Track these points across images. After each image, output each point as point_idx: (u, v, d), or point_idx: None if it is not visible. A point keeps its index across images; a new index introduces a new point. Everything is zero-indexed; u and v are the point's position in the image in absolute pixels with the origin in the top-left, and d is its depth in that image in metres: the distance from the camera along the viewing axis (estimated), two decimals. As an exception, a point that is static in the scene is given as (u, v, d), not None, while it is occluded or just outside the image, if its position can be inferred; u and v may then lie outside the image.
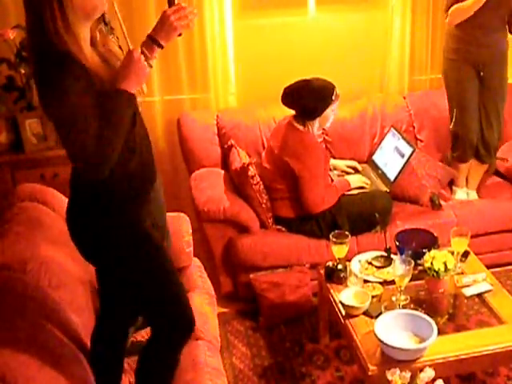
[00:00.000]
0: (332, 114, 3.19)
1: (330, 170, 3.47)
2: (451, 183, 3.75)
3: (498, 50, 3.47)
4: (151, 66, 1.85)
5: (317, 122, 3.16)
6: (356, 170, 3.57)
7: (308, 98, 3.07)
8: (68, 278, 2.32)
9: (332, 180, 3.39)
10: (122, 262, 1.96)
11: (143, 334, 2.45)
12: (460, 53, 3.46)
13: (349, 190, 3.33)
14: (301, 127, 3.14)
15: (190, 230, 2.88)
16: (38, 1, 1.70)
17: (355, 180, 3.42)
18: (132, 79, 1.79)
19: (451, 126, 3.62)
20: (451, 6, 3.35)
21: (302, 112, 3.12)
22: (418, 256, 2.61)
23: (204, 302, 2.62)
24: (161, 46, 1.84)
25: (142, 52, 1.84)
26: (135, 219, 1.96)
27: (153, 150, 2.05)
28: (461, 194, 3.71)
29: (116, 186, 1.89)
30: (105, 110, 1.76)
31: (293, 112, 3.18)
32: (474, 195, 3.72)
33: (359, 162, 3.64)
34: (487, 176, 3.82)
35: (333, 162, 3.56)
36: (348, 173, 3.54)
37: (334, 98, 3.11)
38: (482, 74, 3.48)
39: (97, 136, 1.73)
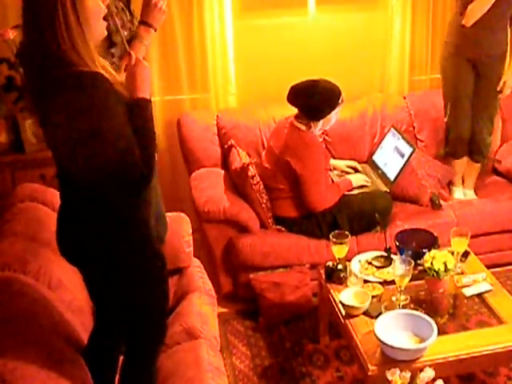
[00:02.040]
0: (335, 117, 3.20)
1: (330, 170, 3.47)
2: (450, 184, 3.75)
3: (499, 51, 3.48)
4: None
5: (320, 123, 3.16)
6: (356, 170, 3.57)
7: (317, 99, 3.07)
8: (68, 278, 2.32)
9: (332, 180, 3.40)
10: (119, 268, 1.91)
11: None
12: (460, 48, 3.48)
13: (351, 190, 3.33)
14: (302, 127, 3.14)
15: (190, 230, 2.88)
16: (49, 2, 1.66)
17: (357, 179, 3.42)
18: (145, 85, 1.82)
19: (445, 120, 3.66)
20: (465, 5, 3.35)
21: (307, 112, 3.12)
22: (418, 256, 2.61)
23: (203, 302, 2.62)
24: (155, 29, 2.20)
25: (141, 37, 2.12)
26: (139, 221, 1.92)
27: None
28: (458, 192, 3.72)
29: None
30: (135, 121, 1.76)
31: (295, 111, 3.18)
32: (471, 194, 3.72)
33: (359, 162, 3.64)
34: (485, 175, 3.82)
35: (333, 162, 3.56)
36: (348, 173, 3.54)
37: (340, 101, 3.13)
38: (479, 70, 3.49)
39: (139, 147, 1.73)
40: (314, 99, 3.07)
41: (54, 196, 2.70)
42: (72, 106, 1.67)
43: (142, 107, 1.80)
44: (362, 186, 3.40)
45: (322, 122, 3.15)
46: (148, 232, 1.94)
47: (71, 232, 1.91)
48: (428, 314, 2.35)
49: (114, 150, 1.70)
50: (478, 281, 2.65)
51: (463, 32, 3.42)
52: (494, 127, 3.69)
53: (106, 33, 1.83)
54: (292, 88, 3.14)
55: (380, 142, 3.67)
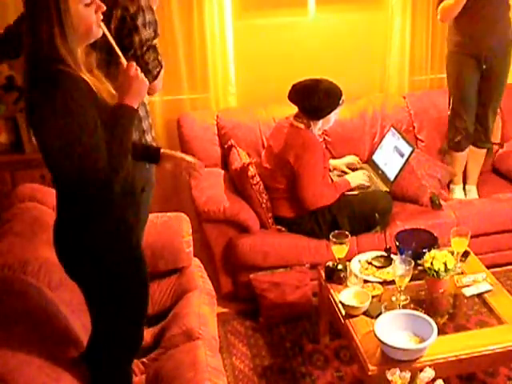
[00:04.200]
0: (334, 118, 3.20)
1: (330, 170, 3.47)
2: (450, 183, 3.75)
3: (502, 41, 3.46)
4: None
5: (320, 123, 3.17)
6: (355, 169, 3.57)
7: (318, 98, 3.07)
8: (68, 278, 2.32)
9: (332, 180, 3.39)
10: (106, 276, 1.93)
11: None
12: (461, 45, 3.47)
13: (350, 190, 3.32)
14: (302, 126, 3.14)
15: (190, 230, 2.89)
16: (36, 11, 1.69)
17: (356, 177, 3.41)
18: (133, 94, 1.82)
19: (448, 113, 3.64)
20: (439, 3, 3.40)
21: (307, 110, 3.12)
22: (418, 256, 2.61)
23: (202, 302, 2.62)
24: None
25: None
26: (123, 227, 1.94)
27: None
28: (458, 191, 3.71)
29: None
30: (110, 125, 1.76)
31: (295, 111, 3.18)
32: (474, 191, 3.72)
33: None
34: (486, 174, 3.82)
35: (332, 162, 3.55)
36: (348, 173, 3.54)
37: (340, 102, 3.13)
38: (484, 66, 3.48)
39: (107, 151, 1.72)
40: (314, 98, 3.08)
41: (54, 196, 2.70)
42: (44, 104, 1.68)
43: (122, 114, 1.80)
44: (361, 187, 3.40)
45: (321, 121, 3.16)
46: (130, 235, 1.96)
47: (57, 234, 1.93)
48: (428, 314, 2.35)
49: (80, 148, 1.69)
50: (477, 281, 2.65)
51: (462, 29, 3.41)
52: (497, 113, 3.70)
53: (99, 35, 1.82)
54: (293, 86, 3.15)
55: (380, 142, 3.67)
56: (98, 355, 2.07)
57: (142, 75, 1.84)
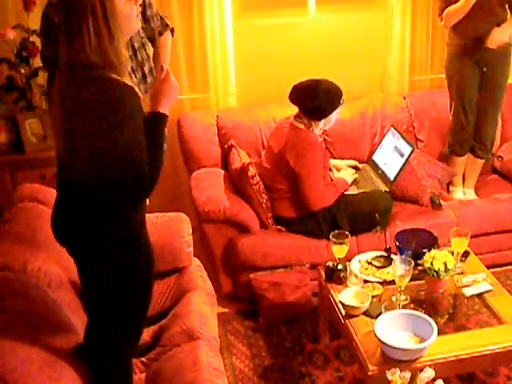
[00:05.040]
0: (335, 117, 3.21)
1: (330, 169, 3.47)
2: (448, 184, 3.75)
3: (502, 47, 3.42)
4: None
5: (321, 123, 3.17)
6: (357, 170, 3.57)
7: (319, 99, 3.07)
8: (68, 278, 2.32)
9: (332, 179, 3.40)
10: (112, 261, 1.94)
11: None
12: (463, 48, 3.45)
13: (347, 190, 3.33)
14: (302, 126, 3.14)
15: (190, 230, 2.88)
16: (79, 15, 1.67)
17: (346, 174, 3.42)
18: (169, 101, 1.86)
19: (450, 118, 3.64)
20: (444, 9, 3.38)
21: (309, 111, 3.12)
22: (418, 256, 2.61)
23: (203, 302, 2.62)
24: None
25: None
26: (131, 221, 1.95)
27: None
28: (458, 192, 3.72)
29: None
30: (149, 133, 1.79)
31: (295, 111, 3.18)
32: (471, 194, 3.72)
33: (359, 162, 3.64)
34: (485, 174, 3.82)
35: (333, 161, 3.56)
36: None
37: (341, 101, 3.13)
38: (485, 69, 3.48)
39: (149, 158, 1.77)
40: (316, 99, 3.07)
41: (54, 196, 2.70)
42: (94, 110, 1.69)
43: (159, 122, 1.84)
44: (356, 182, 3.41)
45: (323, 121, 3.16)
46: (142, 231, 1.98)
47: (66, 224, 1.95)
48: (428, 314, 2.35)
49: (126, 158, 1.74)
50: (477, 281, 2.65)
51: (464, 31, 3.40)
52: (497, 123, 3.67)
53: (138, 27, 1.86)
54: (294, 87, 3.14)
55: (380, 142, 3.67)
56: (97, 349, 2.07)
57: (173, 79, 1.88)
